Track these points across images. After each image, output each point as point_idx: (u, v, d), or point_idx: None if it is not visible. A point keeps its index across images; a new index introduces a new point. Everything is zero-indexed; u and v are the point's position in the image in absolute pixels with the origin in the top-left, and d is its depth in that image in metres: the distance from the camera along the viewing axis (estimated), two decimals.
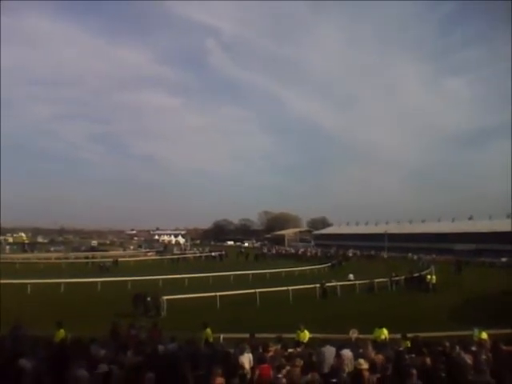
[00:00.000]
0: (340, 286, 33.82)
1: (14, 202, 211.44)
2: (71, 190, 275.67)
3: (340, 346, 11.11)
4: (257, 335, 14.01)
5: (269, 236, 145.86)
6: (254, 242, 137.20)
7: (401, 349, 11.89)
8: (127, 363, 9.22)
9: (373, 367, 9.30)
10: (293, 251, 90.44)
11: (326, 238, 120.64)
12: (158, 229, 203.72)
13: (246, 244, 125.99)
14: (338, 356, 10.46)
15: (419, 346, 12.48)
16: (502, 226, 70.84)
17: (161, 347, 11.25)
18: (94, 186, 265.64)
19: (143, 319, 20.47)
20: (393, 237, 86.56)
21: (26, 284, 30.24)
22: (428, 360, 9.83)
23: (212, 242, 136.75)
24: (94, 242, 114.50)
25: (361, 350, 11.25)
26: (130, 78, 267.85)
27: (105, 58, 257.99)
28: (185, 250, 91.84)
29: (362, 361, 9.14)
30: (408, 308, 27.02)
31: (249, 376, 9.42)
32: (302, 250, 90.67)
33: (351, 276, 38.56)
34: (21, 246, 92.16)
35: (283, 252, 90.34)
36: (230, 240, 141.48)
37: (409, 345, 13.28)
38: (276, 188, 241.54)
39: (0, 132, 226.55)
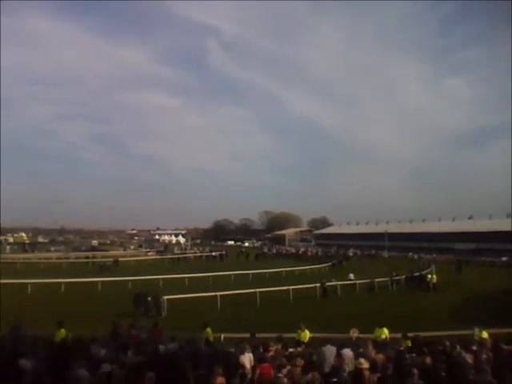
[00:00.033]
0: (340, 285, 33.81)
1: (14, 202, 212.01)
2: (71, 190, 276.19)
3: (340, 346, 11.11)
4: (257, 335, 14.00)
5: (269, 236, 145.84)
6: (255, 241, 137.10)
7: (401, 348, 11.87)
8: (128, 363, 9.22)
9: (373, 367, 9.31)
10: (293, 251, 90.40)
11: (326, 238, 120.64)
12: (158, 228, 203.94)
13: (247, 244, 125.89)
14: (339, 355, 10.46)
15: (420, 345, 12.47)
16: (502, 225, 70.85)
17: (161, 347, 11.25)
18: (95, 185, 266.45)
19: (144, 319, 20.49)
20: (393, 236, 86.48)
21: (27, 284, 30.27)
22: (428, 359, 9.83)
23: (212, 242, 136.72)
24: (95, 242, 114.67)
25: (361, 350, 11.24)
26: (130, 77, 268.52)
27: (105, 58, 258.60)
28: (185, 249, 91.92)
29: (362, 360, 9.14)
30: (408, 307, 27.01)
31: (249, 376, 9.42)
32: (302, 249, 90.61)
33: (351, 275, 38.54)
34: (21, 246, 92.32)
35: (284, 252, 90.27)
36: (231, 240, 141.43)
37: (409, 344, 13.26)
38: (276, 188, 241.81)
39: (0, 132, 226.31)
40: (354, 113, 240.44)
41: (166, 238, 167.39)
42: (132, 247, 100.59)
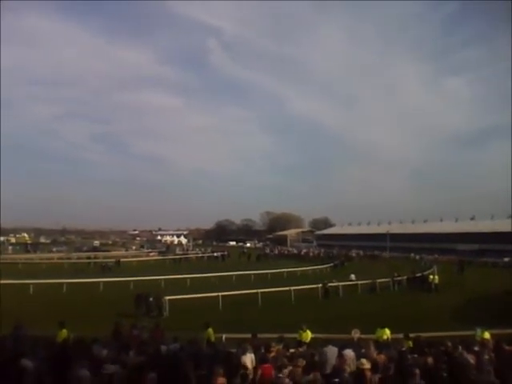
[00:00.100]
0: (342, 286, 33.80)
1: (16, 203, 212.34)
2: (73, 191, 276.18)
3: (342, 346, 11.09)
4: (259, 335, 14.00)
5: (271, 236, 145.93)
6: (256, 242, 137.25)
7: (403, 349, 11.87)
8: (129, 363, 9.23)
9: (374, 367, 9.29)
10: (295, 251, 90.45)
11: (328, 239, 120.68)
12: (160, 229, 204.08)
13: (248, 244, 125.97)
14: (340, 356, 10.44)
15: (421, 345, 12.46)
16: (504, 226, 70.74)
17: (163, 347, 11.24)
18: (96, 186, 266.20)
19: (145, 319, 20.48)
20: (395, 237, 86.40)
21: (29, 284, 30.29)
22: (430, 360, 9.82)
23: (214, 243, 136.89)
24: (97, 243, 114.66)
25: (363, 350, 11.22)
26: (131, 77, 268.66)
27: (105, 58, 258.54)
28: (187, 250, 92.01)
29: (364, 361, 9.12)
30: (410, 308, 26.99)
31: (251, 376, 9.42)
32: (304, 250, 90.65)
33: (353, 276, 38.50)
34: (23, 247, 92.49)
35: (285, 252, 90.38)
36: (232, 240, 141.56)
37: (411, 345, 13.26)
38: (278, 188, 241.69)
39: (0, 132, 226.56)
40: (355, 112, 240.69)
41: (168, 238, 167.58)
42: (134, 248, 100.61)
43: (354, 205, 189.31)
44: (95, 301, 26.73)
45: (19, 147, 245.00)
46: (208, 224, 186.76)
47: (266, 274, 42.96)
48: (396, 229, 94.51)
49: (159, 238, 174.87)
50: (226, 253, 75.05)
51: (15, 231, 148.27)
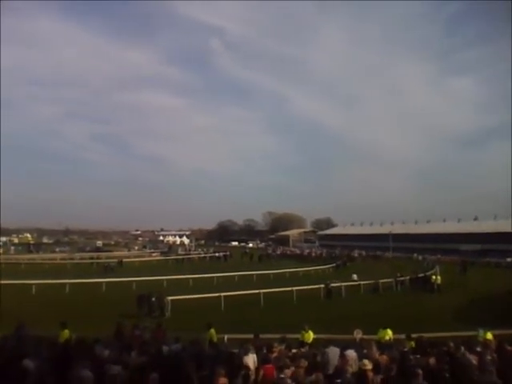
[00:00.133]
0: (344, 286, 33.76)
1: (19, 203, 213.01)
2: (75, 191, 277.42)
3: (344, 347, 11.08)
4: (261, 336, 14.00)
5: (273, 237, 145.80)
6: (259, 242, 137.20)
7: (405, 349, 11.84)
8: (131, 363, 9.22)
9: (376, 368, 9.27)
10: (297, 252, 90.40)
11: (330, 239, 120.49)
12: (162, 229, 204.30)
13: (251, 245, 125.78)
14: (343, 356, 10.43)
15: (424, 346, 12.44)
16: (506, 226, 70.40)
17: (165, 348, 11.24)
18: (99, 186, 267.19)
19: (147, 320, 20.45)
20: (398, 237, 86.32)
21: (31, 284, 30.37)
22: (432, 360, 9.79)
23: (216, 243, 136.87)
24: (99, 243, 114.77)
25: (365, 351, 11.20)
26: (132, 77, 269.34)
27: (108, 58, 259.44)
28: (189, 250, 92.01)
29: (366, 361, 9.10)
30: (413, 308, 26.94)
31: (253, 377, 9.41)
32: (307, 250, 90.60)
33: (355, 276, 38.52)
34: (26, 247, 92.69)
35: (288, 252, 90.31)
36: (235, 240, 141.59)
37: (413, 345, 13.23)
38: (280, 188, 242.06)
39: (1, 132, 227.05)
40: (357, 113, 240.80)
41: (170, 238, 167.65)
42: (136, 248, 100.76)
43: (357, 205, 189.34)
44: (97, 301, 26.77)
45: (21, 147, 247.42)
46: (210, 224, 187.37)
47: (268, 274, 42.97)
48: (399, 229, 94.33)
49: (161, 238, 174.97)
50: (228, 253, 75.10)
51: (18, 231, 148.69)
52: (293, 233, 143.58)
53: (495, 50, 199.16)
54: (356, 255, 78.23)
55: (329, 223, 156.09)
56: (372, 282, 35.85)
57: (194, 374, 8.62)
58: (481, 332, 15.17)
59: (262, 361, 9.93)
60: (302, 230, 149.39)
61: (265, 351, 11.12)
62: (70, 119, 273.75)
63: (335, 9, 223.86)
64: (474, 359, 9.81)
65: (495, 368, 9.00)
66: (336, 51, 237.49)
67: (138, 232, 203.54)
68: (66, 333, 13.26)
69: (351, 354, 10.56)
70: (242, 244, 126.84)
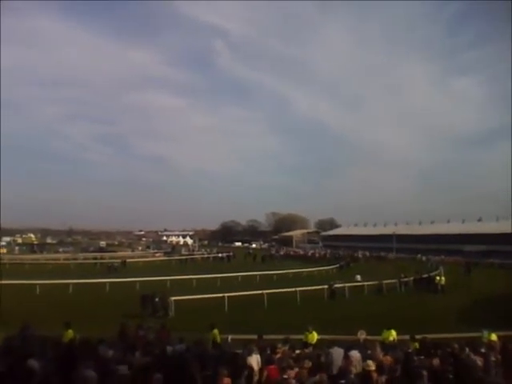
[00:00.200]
0: (348, 287, 33.72)
1: (23, 204, 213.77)
2: (79, 191, 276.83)
3: (348, 348, 11.08)
4: (265, 336, 14.02)
5: (276, 237, 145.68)
6: (262, 243, 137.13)
7: (409, 350, 11.83)
8: (135, 364, 9.24)
9: (380, 368, 9.27)
10: (301, 252, 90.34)
11: (334, 239, 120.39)
12: (165, 230, 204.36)
13: (254, 245, 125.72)
14: (347, 357, 10.44)
15: (428, 347, 12.43)
16: (510, 227, 70.16)
17: (169, 348, 11.26)
18: (102, 187, 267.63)
19: (151, 320, 20.50)
20: (402, 238, 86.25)
21: (35, 285, 30.41)
22: (436, 361, 9.78)
23: (220, 243, 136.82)
24: (103, 243, 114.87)
25: (369, 352, 11.20)
26: (137, 78, 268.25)
27: (109, 58, 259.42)
28: (193, 250, 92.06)
29: (370, 362, 9.11)
30: (417, 309, 26.88)
31: (256, 377, 9.41)
32: (310, 251, 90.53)
33: (358, 277, 38.45)
34: (30, 247, 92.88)
35: (291, 253, 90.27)
36: (238, 241, 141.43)
37: (417, 346, 13.22)
38: (283, 189, 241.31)
39: (1, 132, 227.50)
40: (361, 113, 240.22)
41: (174, 239, 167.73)
42: (140, 248, 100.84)
43: (360, 205, 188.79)
44: (101, 301, 26.79)
45: (24, 148, 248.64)
46: (214, 225, 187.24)
47: (272, 274, 42.93)
48: (402, 230, 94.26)
49: (165, 238, 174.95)
50: (231, 253, 75.16)
51: (22, 232, 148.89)
52: (296, 233, 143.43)
53: (497, 50, 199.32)
54: (360, 256, 78.08)
55: (332, 224, 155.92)
56: (376, 282, 35.81)
57: (197, 375, 8.63)
58: (485, 333, 15.12)
59: (266, 361, 9.95)
60: (306, 231, 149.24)
61: (268, 352, 11.14)
62: (72, 119, 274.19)
63: (337, 9, 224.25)
64: (478, 360, 9.80)
65: (499, 369, 8.99)
66: (338, 51, 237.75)
67: (142, 232, 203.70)
68: (70, 333, 13.29)
69: (355, 354, 10.56)
70: (246, 244, 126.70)
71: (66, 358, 9.03)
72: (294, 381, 8.43)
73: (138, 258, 70.02)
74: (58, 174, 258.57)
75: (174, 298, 24.82)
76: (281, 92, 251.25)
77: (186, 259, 68.52)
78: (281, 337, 14.25)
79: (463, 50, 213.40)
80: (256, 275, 40.64)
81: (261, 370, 9.70)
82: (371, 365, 8.95)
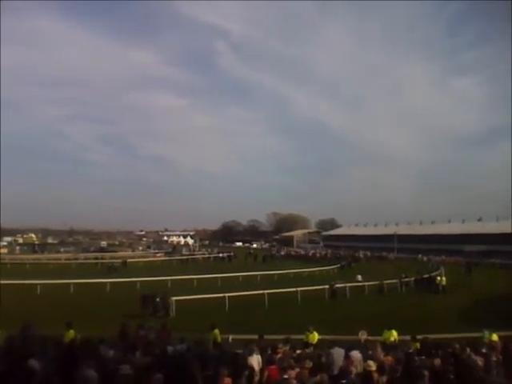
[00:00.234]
0: (349, 287, 33.72)
1: (24, 204, 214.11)
2: (80, 191, 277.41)
3: (349, 348, 11.07)
4: (265, 336, 14.02)
5: (277, 237, 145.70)
6: (263, 243, 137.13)
7: (410, 351, 11.82)
8: (136, 364, 9.23)
9: (381, 369, 9.26)
10: (302, 252, 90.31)
11: (335, 239, 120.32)
12: (166, 230, 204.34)
13: (255, 245, 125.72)
14: (347, 357, 10.43)
15: (429, 347, 12.42)
16: (510, 227, 70.13)
17: (169, 348, 11.25)
18: (103, 187, 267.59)
19: (152, 320, 20.49)
20: (403, 238, 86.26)
21: (36, 284, 30.44)
22: (437, 361, 9.77)
23: (220, 243, 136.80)
24: (104, 243, 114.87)
25: (370, 352, 11.19)
26: (138, 78, 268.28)
27: (110, 59, 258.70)
28: (193, 250, 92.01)
29: (371, 362, 9.10)
30: (417, 309, 26.88)
31: (257, 377, 9.41)
32: (311, 251, 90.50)
33: (359, 277, 38.46)
34: (31, 247, 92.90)
35: (292, 253, 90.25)
36: (239, 241, 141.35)
37: (418, 347, 13.21)
38: (284, 189, 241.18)
39: (1, 132, 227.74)
40: (362, 113, 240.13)
41: (175, 239, 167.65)
42: (140, 248, 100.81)
43: (361, 206, 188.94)
44: (102, 301, 26.81)
45: (24, 148, 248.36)
46: (214, 225, 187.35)
47: (273, 274, 42.95)
48: (403, 230, 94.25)
49: (166, 238, 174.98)
50: (232, 253, 75.09)
51: (23, 232, 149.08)
52: (297, 233, 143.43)
53: (497, 50, 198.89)
54: (361, 256, 78.03)
55: (333, 224, 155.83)
56: (377, 282, 35.80)
57: (198, 375, 8.62)
58: (486, 333, 15.12)
59: (267, 362, 9.94)
60: (307, 231, 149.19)
61: (269, 352, 11.13)
62: (73, 120, 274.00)
63: (337, 9, 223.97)
64: (479, 360, 9.79)
65: (500, 369, 8.98)
66: (338, 51, 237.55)
67: (143, 232, 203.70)
68: (71, 333, 13.30)
69: (356, 354, 10.55)
70: (247, 244, 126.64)
71: (66, 358, 9.03)
72: (294, 381, 8.41)
73: (139, 258, 69.97)
74: (59, 174, 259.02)
75: (174, 298, 24.82)
76: (281, 92, 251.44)
77: (187, 259, 68.53)
78: (282, 337, 14.24)
79: (463, 50, 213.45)
80: (257, 275, 40.65)
81: (261, 370, 9.69)
82: (372, 365, 8.95)
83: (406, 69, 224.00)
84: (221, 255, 74.43)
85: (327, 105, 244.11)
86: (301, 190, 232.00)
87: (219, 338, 15.24)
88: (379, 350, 11.18)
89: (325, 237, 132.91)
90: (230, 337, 16.44)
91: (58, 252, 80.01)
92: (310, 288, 31.28)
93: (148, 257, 74.16)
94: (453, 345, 11.90)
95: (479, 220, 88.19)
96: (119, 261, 56.52)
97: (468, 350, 11.14)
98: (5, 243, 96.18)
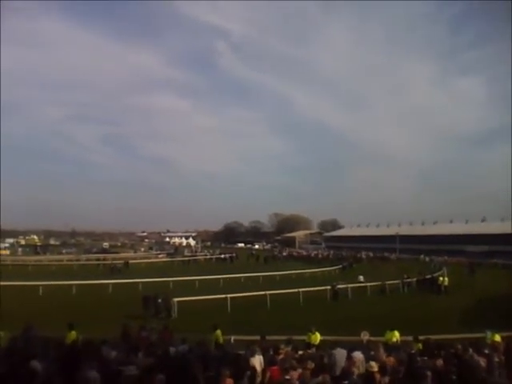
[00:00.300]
0: (351, 287, 33.67)
1: (26, 205, 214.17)
2: (82, 193, 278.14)
3: (351, 349, 11.05)
4: (267, 337, 14.00)
5: (279, 238, 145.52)
6: (265, 244, 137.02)
7: (413, 351, 11.80)
8: (138, 365, 9.23)
9: (383, 369, 9.25)
10: (304, 253, 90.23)
11: (337, 240, 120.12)
12: (168, 231, 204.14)
13: (257, 246, 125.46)
14: (349, 358, 10.40)
15: (431, 348, 12.39)
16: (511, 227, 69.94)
17: (172, 349, 11.25)
18: (105, 188, 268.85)
19: (154, 321, 20.50)
20: (405, 238, 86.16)
21: (38, 286, 30.44)
22: (440, 362, 9.75)
23: (222, 244, 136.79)
24: (106, 244, 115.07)
25: (372, 353, 11.18)
26: (138, 79, 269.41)
27: (112, 60, 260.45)
28: (195, 252, 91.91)
29: (373, 363, 9.09)
30: (420, 310, 26.83)
31: (259, 378, 9.40)
32: (313, 252, 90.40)
33: (361, 277, 38.43)
34: (33, 249, 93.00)
35: (294, 254, 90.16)
36: (241, 242, 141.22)
37: (420, 347, 13.18)
38: (286, 189, 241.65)
39: (0, 133, 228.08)
40: (363, 113, 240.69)
41: (177, 240, 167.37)
42: (142, 249, 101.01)
43: (362, 205, 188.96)
44: (104, 302, 26.80)
45: (27, 149, 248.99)
46: (216, 226, 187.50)
47: (275, 275, 42.91)
48: (405, 230, 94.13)
49: (167, 239, 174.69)
50: (234, 254, 75.06)
51: (25, 233, 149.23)
52: (299, 234, 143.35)
53: (499, 50, 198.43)
54: (362, 257, 77.88)
55: (335, 225, 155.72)
56: (379, 283, 35.74)
57: (200, 375, 8.62)
58: (489, 334, 15.08)
59: (269, 362, 9.93)
60: (308, 232, 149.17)
61: (271, 353, 11.12)
62: (75, 121, 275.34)
63: (338, 9, 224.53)
64: (482, 361, 9.77)
65: (503, 370, 8.96)
66: (339, 51, 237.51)
67: (144, 233, 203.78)
68: (73, 334, 13.30)
69: (358, 355, 10.53)
70: (248, 245, 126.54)
71: (68, 359, 9.04)
72: (296, 382, 8.42)
73: (141, 259, 70.12)
74: (61, 175, 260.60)
75: (176, 299, 24.79)
76: (282, 92, 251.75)
77: (189, 260, 68.53)
78: (284, 338, 14.22)
79: (463, 50, 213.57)
80: (259, 276, 40.62)
81: (263, 370, 9.68)
82: (374, 366, 8.94)
83: (406, 69, 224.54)
84: (223, 256, 74.46)
85: (328, 105, 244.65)
86: (302, 190, 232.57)
87: (221, 339, 15.23)
88: (381, 350, 11.16)
89: (327, 238, 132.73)
90: (232, 338, 16.41)
91: (60, 253, 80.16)
92: (311, 289, 31.27)
93: (150, 258, 74.16)
94: (455, 345, 11.88)
95: (483, 220, 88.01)
96: (121, 262, 56.51)
97: (470, 350, 11.11)
98: (7, 245, 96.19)
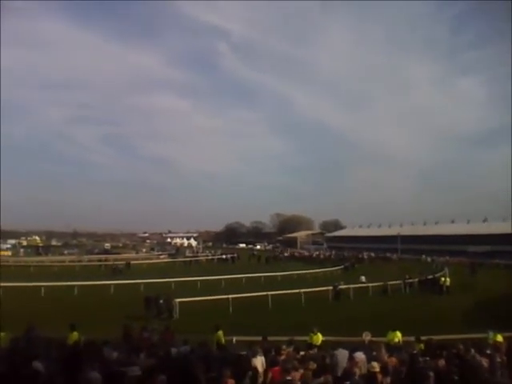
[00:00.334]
0: (353, 288, 33.62)
1: (28, 206, 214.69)
2: (83, 193, 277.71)
3: (353, 349, 11.05)
4: (269, 338, 13.99)
5: (281, 238, 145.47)
6: (266, 244, 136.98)
7: (414, 352, 11.78)
8: (140, 365, 9.23)
9: (385, 370, 9.24)
10: (306, 254, 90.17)
11: (338, 241, 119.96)
12: (170, 232, 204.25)
13: (258, 246, 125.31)
14: (351, 359, 10.39)
15: (433, 348, 12.37)
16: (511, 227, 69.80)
17: (173, 350, 11.26)
18: (106, 188, 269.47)
19: (156, 322, 20.52)
20: (406, 239, 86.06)
21: (40, 287, 30.43)
22: (442, 363, 9.73)
23: (224, 245, 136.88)
24: (107, 245, 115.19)
25: (374, 353, 11.17)
26: (139, 79, 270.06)
27: (113, 60, 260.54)
28: (197, 252, 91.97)
29: (375, 364, 9.08)
30: (422, 310, 26.78)
31: (261, 379, 9.40)
32: (315, 252, 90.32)
33: (363, 278, 38.39)
34: (35, 249, 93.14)
35: (296, 254, 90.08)
36: (242, 242, 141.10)
37: (422, 348, 13.16)
38: (287, 190, 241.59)
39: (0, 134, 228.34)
40: (364, 113, 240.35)
41: (178, 240, 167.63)
42: (144, 250, 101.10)
43: (363, 206, 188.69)
44: (106, 303, 26.84)
45: (28, 150, 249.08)
46: (218, 226, 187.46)
47: (276, 276, 42.86)
48: (407, 231, 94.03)
49: (169, 240, 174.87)
50: (235, 255, 75.08)
51: (27, 234, 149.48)
52: (301, 235, 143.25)
53: (499, 51, 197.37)
54: (364, 257, 77.75)
55: (336, 225, 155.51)
56: (380, 283, 35.68)
57: (202, 376, 8.62)
58: (491, 334, 15.02)
59: (271, 363, 9.92)
60: (310, 232, 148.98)
61: (273, 353, 11.11)
62: (76, 121, 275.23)
63: (339, 9, 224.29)
64: (484, 361, 9.75)
65: (505, 370, 8.94)
66: (340, 51, 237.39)
67: (146, 234, 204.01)
68: (75, 335, 13.31)
69: (360, 356, 10.53)
70: (250, 246, 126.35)
71: (70, 360, 9.05)
72: (298, 382, 8.40)
73: (143, 259, 70.17)
74: (63, 176, 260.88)
75: (178, 300, 24.79)
76: (282, 92, 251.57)
77: (191, 261, 68.61)
78: (285, 338, 14.20)
79: (464, 50, 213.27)
80: (260, 277, 40.60)
81: (265, 371, 9.68)
82: (376, 366, 8.93)
83: (406, 69, 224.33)
84: (224, 257, 74.50)
85: (328, 105, 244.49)
86: (302, 190, 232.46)
87: (223, 340, 15.23)
88: (383, 351, 11.15)
89: (328, 238, 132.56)
90: (234, 338, 16.42)
91: (62, 254, 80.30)
92: (313, 289, 31.26)
93: (152, 259, 74.23)
94: (457, 346, 11.85)
95: (484, 221, 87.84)
96: (123, 263, 56.52)
97: (472, 350, 11.10)
98: (9, 246, 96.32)
